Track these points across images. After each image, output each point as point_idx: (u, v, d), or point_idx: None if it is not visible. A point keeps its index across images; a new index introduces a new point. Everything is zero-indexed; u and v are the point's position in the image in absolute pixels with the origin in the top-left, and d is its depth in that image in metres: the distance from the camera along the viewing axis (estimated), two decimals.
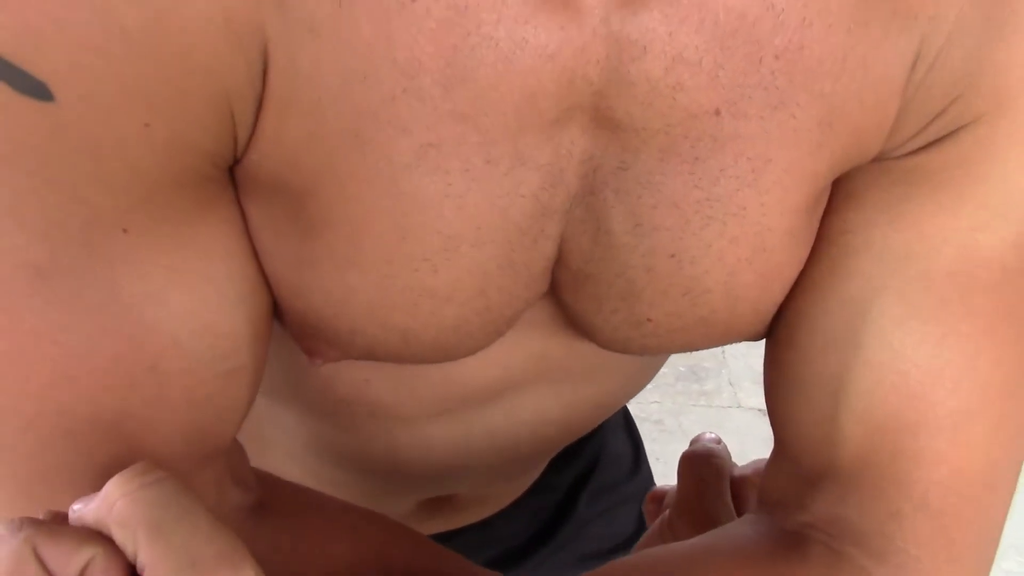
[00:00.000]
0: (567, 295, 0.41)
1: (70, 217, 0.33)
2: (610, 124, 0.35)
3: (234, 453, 0.43)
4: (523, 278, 0.39)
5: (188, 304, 0.36)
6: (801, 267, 0.41)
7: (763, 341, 0.45)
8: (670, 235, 0.37)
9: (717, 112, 0.34)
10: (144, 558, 0.29)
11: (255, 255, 0.38)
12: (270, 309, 0.40)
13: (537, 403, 0.50)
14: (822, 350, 0.41)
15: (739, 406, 2.02)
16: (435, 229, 0.36)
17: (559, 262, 0.40)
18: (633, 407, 0.78)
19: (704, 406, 2.02)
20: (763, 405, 0.47)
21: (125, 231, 0.34)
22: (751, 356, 2.10)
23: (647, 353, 0.44)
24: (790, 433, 0.44)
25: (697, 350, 0.45)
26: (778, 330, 0.43)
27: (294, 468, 0.53)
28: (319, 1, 0.31)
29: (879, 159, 0.39)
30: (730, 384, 2.06)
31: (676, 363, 2.10)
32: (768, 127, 0.35)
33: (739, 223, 0.37)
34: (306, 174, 0.35)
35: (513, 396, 0.48)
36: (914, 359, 0.40)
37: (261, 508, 0.44)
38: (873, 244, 0.40)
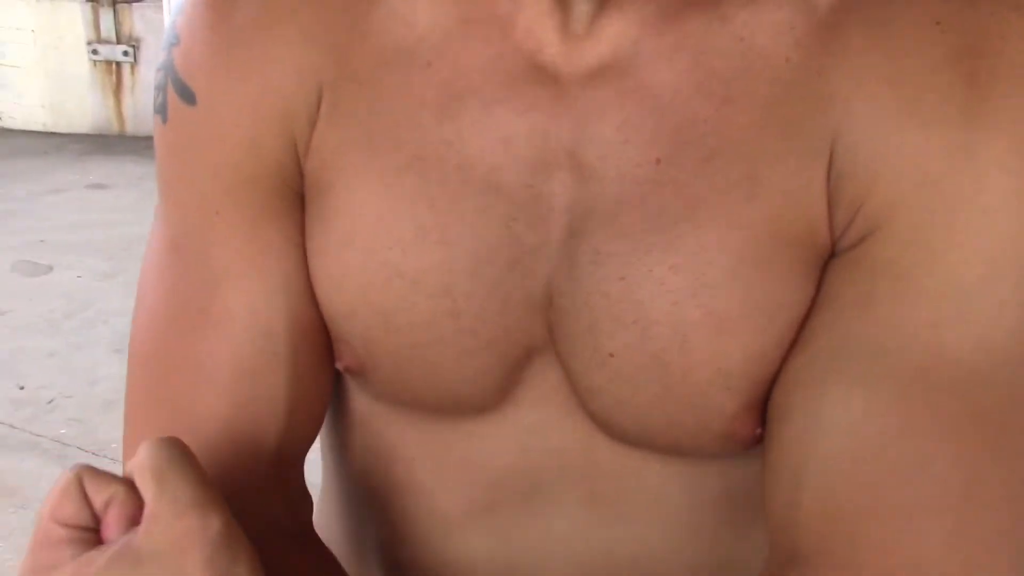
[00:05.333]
0: (559, 345, 0.48)
1: (194, 198, 0.50)
2: (581, 175, 0.46)
3: (294, 480, 0.53)
4: (497, 299, 0.48)
5: (244, 283, 0.50)
6: (761, 336, 0.45)
7: None
8: (620, 260, 0.46)
9: (658, 161, 0.45)
10: (145, 495, 0.39)
11: (304, 264, 0.51)
12: (310, 309, 0.51)
13: (573, 519, 0.53)
14: (786, 434, 0.45)
15: None
16: (408, 216, 0.47)
17: (552, 311, 0.48)
18: None
19: None
20: None
21: (218, 213, 0.50)
22: None
23: (626, 423, 0.48)
24: (767, 516, 0.46)
25: (679, 430, 0.47)
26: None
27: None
28: (363, 61, 0.48)
29: (839, 254, 0.44)
30: None
31: None
32: (700, 173, 0.44)
33: (676, 251, 0.45)
34: (330, 171, 0.49)
35: (544, 503, 0.53)
36: (870, 448, 0.42)
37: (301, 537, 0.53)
38: (838, 333, 0.43)
